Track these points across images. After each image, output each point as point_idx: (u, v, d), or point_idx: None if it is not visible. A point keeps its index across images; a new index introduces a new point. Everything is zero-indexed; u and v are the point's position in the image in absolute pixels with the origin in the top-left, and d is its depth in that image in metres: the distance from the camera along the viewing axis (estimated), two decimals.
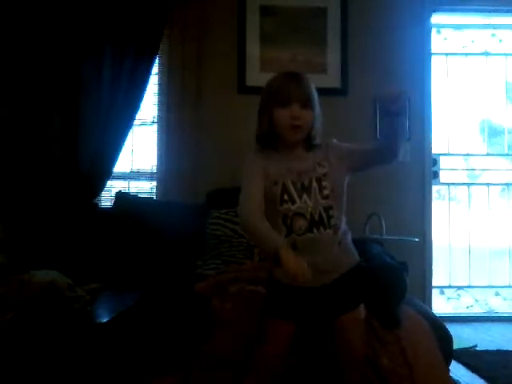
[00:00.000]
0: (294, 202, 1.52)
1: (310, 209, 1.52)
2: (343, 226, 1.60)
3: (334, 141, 1.63)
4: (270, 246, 1.41)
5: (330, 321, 1.60)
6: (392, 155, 1.55)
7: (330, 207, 1.54)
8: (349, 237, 1.63)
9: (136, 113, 3.07)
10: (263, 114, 1.58)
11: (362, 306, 1.63)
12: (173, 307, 2.04)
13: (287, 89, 1.54)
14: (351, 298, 1.61)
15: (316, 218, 1.52)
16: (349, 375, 1.64)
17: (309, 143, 1.59)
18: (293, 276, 1.32)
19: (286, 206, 1.52)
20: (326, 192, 1.54)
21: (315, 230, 1.52)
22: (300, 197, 1.53)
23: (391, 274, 2.08)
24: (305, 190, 1.53)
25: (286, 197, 1.53)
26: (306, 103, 1.54)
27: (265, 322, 1.61)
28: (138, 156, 3.28)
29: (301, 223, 1.52)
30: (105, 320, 1.88)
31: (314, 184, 1.54)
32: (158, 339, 1.87)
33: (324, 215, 1.53)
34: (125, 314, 1.94)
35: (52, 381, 1.73)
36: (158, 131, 3.22)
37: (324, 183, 1.54)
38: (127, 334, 1.85)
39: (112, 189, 3.17)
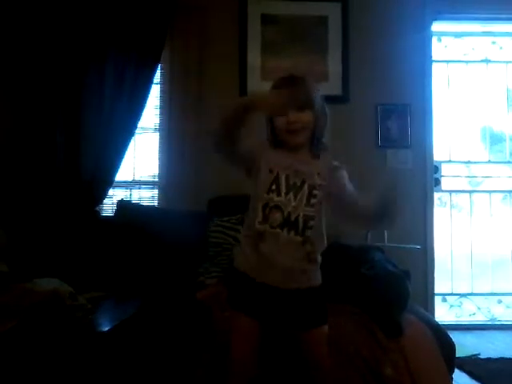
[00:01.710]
0: (278, 195, 1.53)
1: (290, 208, 1.52)
2: (320, 244, 1.59)
3: (343, 170, 1.62)
4: (238, 104, 1.49)
5: (295, 332, 1.60)
6: (370, 225, 1.57)
7: (312, 218, 1.54)
8: (320, 258, 1.61)
9: (138, 121, 3.08)
10: (267, 123, 1.61)
11: (326, 326, 1.61)
12: (174, 315, 2.04)
13: None
14: (318, 315, 1.60)
15: (292, 219, 1.52)
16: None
17: (315, 146, 1.59)
18: (271, 106, 1.44)
19: (270, 195, 1.53)
20: (313, 201, 1.54)
21: (285, 230, 1.52)
22: (287, 193, 1.53)
23: (394, 283, 2.07)
24: (294, 188, 1.53)
25: (273, 187, 1.53)
26: (303, 105, 1.54)
27: (230, 316, 1.61)
28: (140, 164, 3.29)
29: (276, 216, 1.52)
30: (106, 329, 1.88)
31: (305, 188, 1.54)
32: (159, 348, 1.86)
33: (301, 221, 1.52)
34: (126, 322, 1.94)
35: None
36: (159, 139, 3.23)
37: (315, 192, 1.54)
38: (129, 343, 1.85)
39: (114, 197, 3.18)
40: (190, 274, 2.53)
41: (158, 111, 3.25)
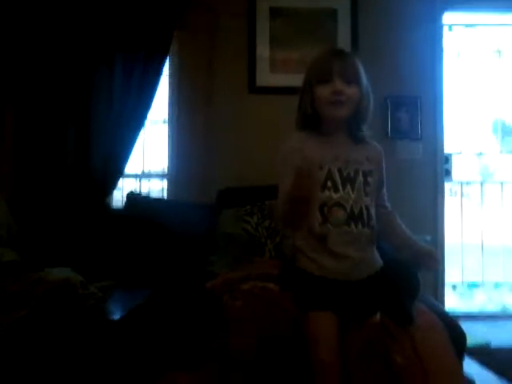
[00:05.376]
0: (336, 191, 1.44)
1: (351, 201, 1.44)
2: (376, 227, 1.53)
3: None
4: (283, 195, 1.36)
5: (360, 319, 1.51)
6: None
7: (372, 206, 1.48)
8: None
9: (147, 113, 3.09)
10: (305, 94, 1.49)
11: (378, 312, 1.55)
12: (184, 304, 2.05)
13: (329, 64, 1.45)
14: (375, 302, 1.53)
15: (356, 212, 1.45)
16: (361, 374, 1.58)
17: (355, 129, 1.50)
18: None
19: (327, 193, 1.44)
20: (369, 189, 1.47)
21: (352, 225, 1.44)
22: (344, 187, 1.45)
23: (404, 271, 2.06)
24: (349, 180, 1.45)
25: (329, 184, 1.44)
26: (350, 79, 1.44)
27: (305, 319, 1.47)
28: (149, 156, 3.31)
29: (339, 214, 1.43)
30: (117, 317, 1.90)
31: (360, 177, 1.47)
32: (169, 336, 1.87)
33: (365, 212, 1.45)
34: (137, 311, 1.95)
35: (65, 377, 1.75)
36: (169, 131, 3.24)
37: (369, 179, 1.48)
38: (139, 331, 1.86)
39: (123, 188, 3.20)
40: (199, 265, 2.54)
41: (167, 104, 3.26)
